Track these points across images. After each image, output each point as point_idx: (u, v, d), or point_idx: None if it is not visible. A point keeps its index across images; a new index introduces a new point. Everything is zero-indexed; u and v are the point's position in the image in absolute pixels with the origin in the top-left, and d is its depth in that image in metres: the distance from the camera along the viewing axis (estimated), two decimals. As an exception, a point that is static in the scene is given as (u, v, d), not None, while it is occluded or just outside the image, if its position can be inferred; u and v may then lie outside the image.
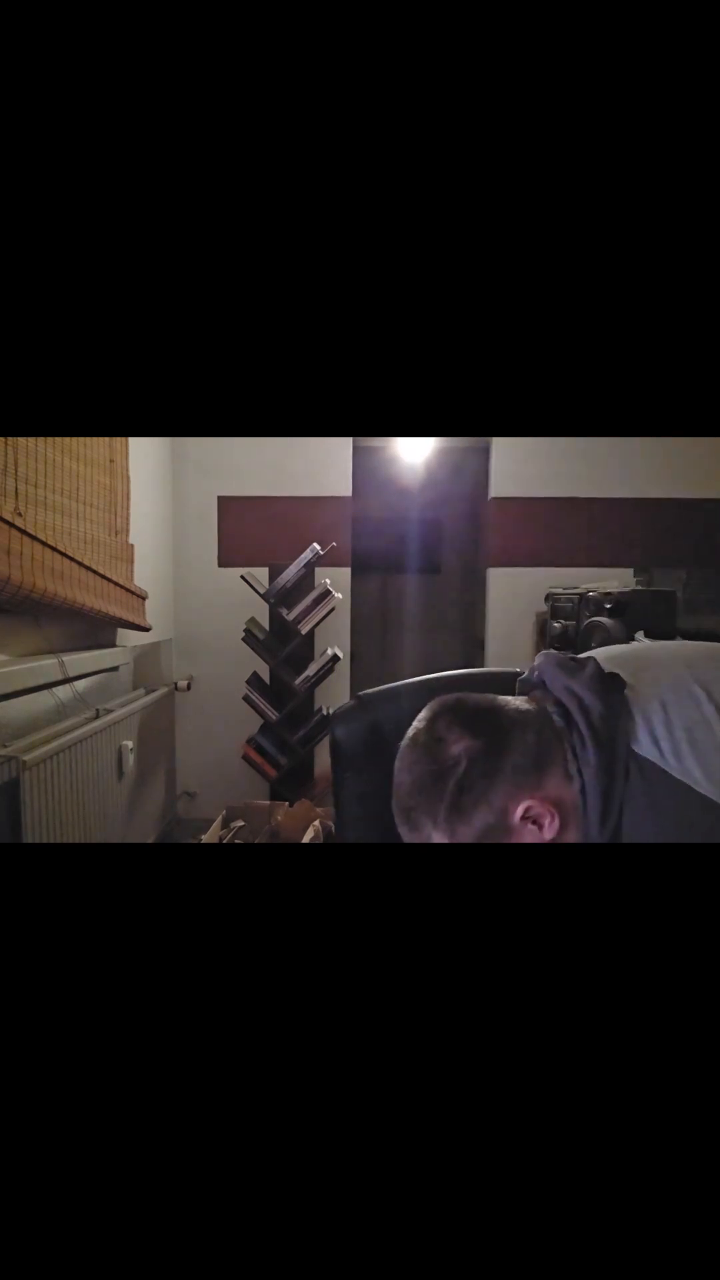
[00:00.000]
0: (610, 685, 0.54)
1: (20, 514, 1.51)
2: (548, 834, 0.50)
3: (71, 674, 1.76)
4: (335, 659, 2.66)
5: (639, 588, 2.41)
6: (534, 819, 0.50)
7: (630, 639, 1.96)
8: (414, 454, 3.11)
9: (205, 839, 2.29)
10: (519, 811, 0.51)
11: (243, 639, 2.69)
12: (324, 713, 2.71)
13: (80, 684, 1.88)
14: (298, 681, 2.63)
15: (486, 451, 2.95)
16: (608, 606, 2.12)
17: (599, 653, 0.62)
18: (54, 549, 1.62)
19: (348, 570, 2.90)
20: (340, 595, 2.78)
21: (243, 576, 2.68)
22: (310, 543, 2.69)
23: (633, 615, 2.07)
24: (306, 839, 2.26)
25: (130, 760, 2.09)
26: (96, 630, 2.09)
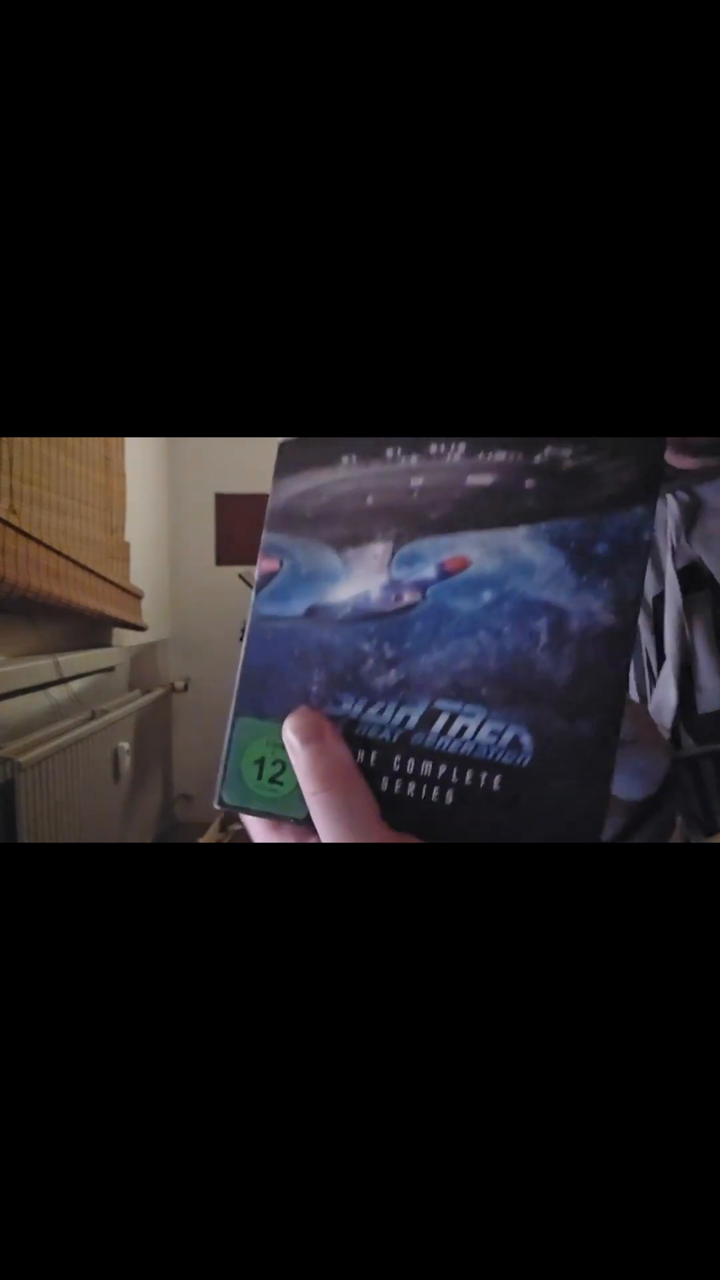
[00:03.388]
0: None
1: (15, 512, 1.49)
2: None
3: (67, 674, 1.73)
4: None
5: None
6: None
7: None
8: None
9: (203, 842, 2.27)
10: None
11: (240, 638, 2.66)
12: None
13: (75, 684, 1.85)
14: (296, 681, 2.61)
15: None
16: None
17: None
18: (49, 547, 1.60)
19: (347, 569, 2.88)
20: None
21: (241, 575, 2.66)
22: (309, 541, 2.67)
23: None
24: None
25: (126, 762, 2.07)
26: (92, 630, 2.06)
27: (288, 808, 0.27)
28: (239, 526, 2.92)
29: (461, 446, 0.26)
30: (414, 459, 0.27)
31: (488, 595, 0.25)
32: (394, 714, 0.25)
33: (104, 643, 2.15)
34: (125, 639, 2.31)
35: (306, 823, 0.27)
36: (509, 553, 0.25)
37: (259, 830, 0.30)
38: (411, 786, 0.26)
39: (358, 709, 0.26)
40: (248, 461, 2.89)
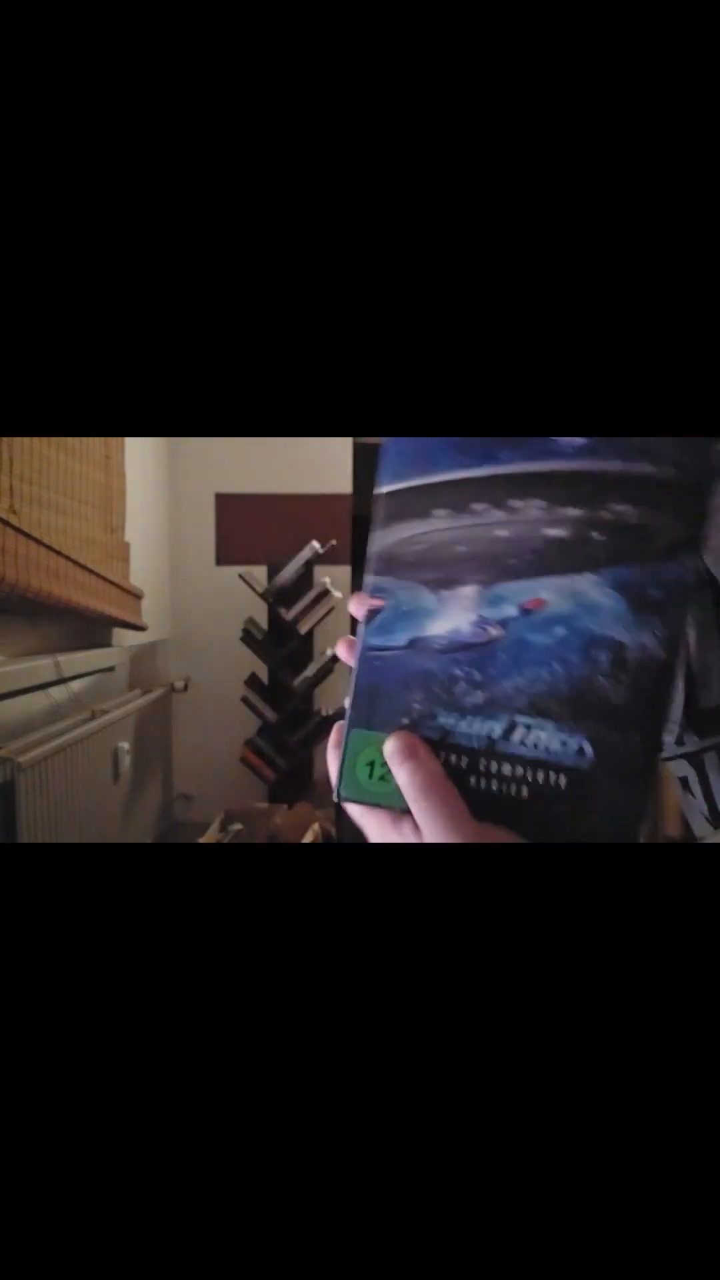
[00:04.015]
0: None
1: (15, 511, 1.48)
2: None
3: (66, 674, 1.73)
4: (335, 659, 2.64)
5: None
6: None
7: None
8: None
9: (203, 842, 2.27)
10: None
11: (241, 639, 2.66)
12: (323, 714, 2.69)
13: (75, 684, 1.85)
14: (297, 682, 2.61)
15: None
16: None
17: None
18: (49, 547, 1.60)
19: (347, 569, 2.87)
20: (340, 594, 2.76)
21: (241, 575, 2.66)
22: (310, 541, 2.66)
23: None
24: (306, 842, 2.23)
25: (126, 762, 2.07)
26: (92, 630, 2.06)
27: (393, 800, 0.32)
28: (239, 526, 2.92)
29: (538, 502, 0.30)
30: (499, 513, 0.31)
31: (560, 631, 0.30)
32: (481, 726, 0.31)
33: (104, 643, 2.15)
34: (125, 639, 2.31)
35: (408, 813, 0.31)
36: (579, 596, 0.30)
37: (372, 825, 0.34)
38: (495, 784, 0.31)
39: (450, 722, 0.31)
40: (248, 462, 2.89)
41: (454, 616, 0.31)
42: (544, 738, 0.30)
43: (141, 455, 2.52)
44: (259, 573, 2.73)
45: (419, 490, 0.32)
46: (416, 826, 0.32)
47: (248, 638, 2.66)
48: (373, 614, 0.32)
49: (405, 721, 0.32)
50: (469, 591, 0.31)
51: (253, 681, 2.70)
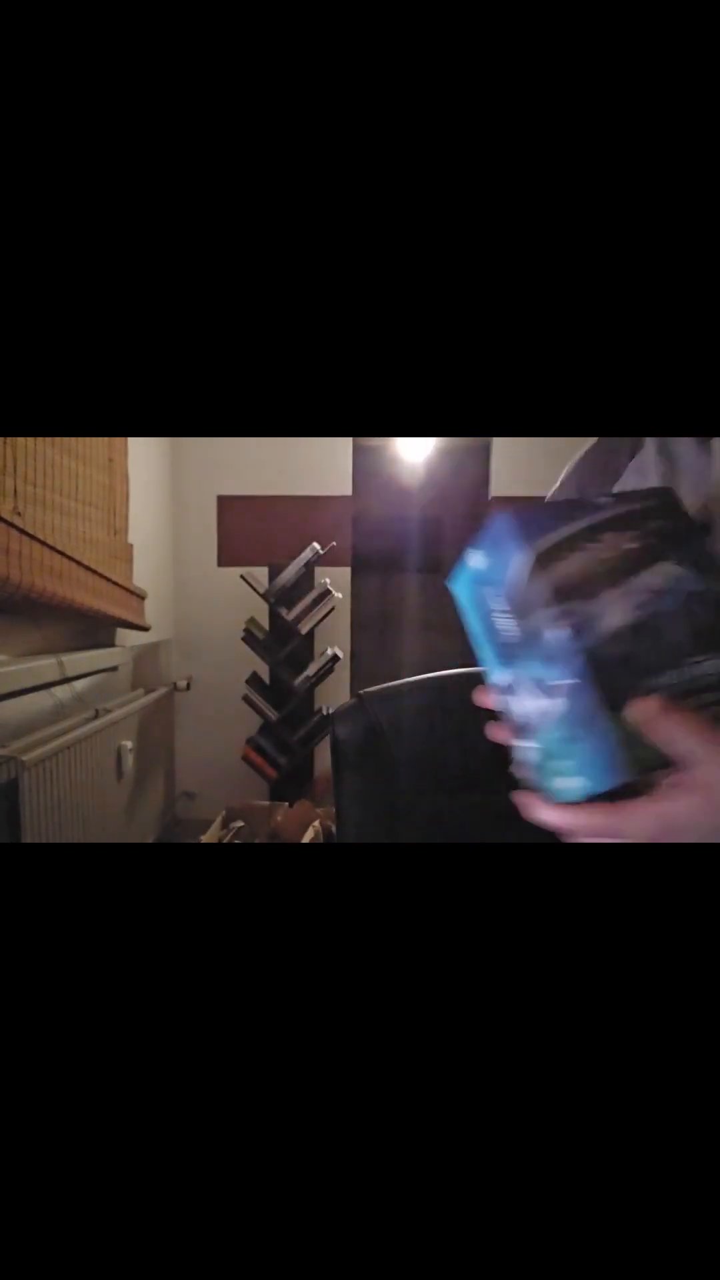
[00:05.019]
0: None
1: (19, 513, 1.50)
2: None
3: (70, 674, 1.75)
4: (335, 659, 2.66)
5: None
6: None
7: None
8: (414, 453, 3.11)
9: (205, 840, 2.29)
10: None
11: (242, 639, 2.68)
12: (324, 713, 2.71)
13: (79, 684, 1.87)
14: (297, 681, 2.62)
15: (487, 451, 2.95)
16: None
17: None
18: (53, 548, 1.61)
19: (348, 570, 2.89)
20: (340, 595, 2.77)
21: (242, 576, 2.68)
22: (310, 542, 2.68)
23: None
24: (306, 840, 2.25)
25: (129, 761, 2.08)
26: (95, 630, 2.08)
27: (661, 761, 0.36)
28: (241, 528, 2.94)
29: (629, 532, 0.41)
30: (600, 542, 0.41)
31: (672, 598, 0.40)
32: (687, 672, 0.39)
33: (107, 643, 2.16)
34: (128, 639, 2.32)
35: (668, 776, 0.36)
36: (668, 575, 0.41)
37: (635, 816, 0.35)
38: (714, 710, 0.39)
39: (665, 680, 0.38)
40: (250, 464, 2.91)
41: (615, 613, 0.39)
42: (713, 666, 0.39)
43: (144, 458, 2.54)
44: (260, 574, 2.75)
45: (556, 546, 0.41)
46: (688, 786, 0.35)
47: (249, 638, 2.67)
48: (571, 631, 0.39)
49: (641, 691, 0.38)
50: (615, 593, 0.40)
51: (254, 681, 2.72)
